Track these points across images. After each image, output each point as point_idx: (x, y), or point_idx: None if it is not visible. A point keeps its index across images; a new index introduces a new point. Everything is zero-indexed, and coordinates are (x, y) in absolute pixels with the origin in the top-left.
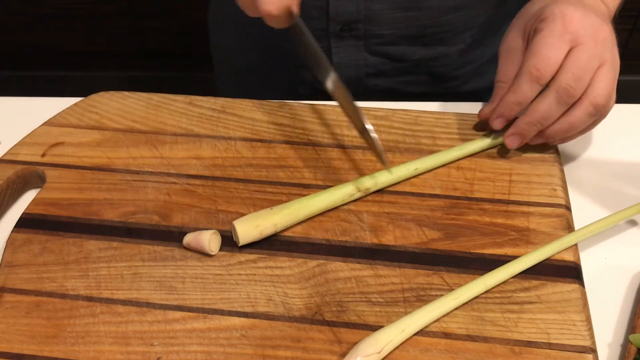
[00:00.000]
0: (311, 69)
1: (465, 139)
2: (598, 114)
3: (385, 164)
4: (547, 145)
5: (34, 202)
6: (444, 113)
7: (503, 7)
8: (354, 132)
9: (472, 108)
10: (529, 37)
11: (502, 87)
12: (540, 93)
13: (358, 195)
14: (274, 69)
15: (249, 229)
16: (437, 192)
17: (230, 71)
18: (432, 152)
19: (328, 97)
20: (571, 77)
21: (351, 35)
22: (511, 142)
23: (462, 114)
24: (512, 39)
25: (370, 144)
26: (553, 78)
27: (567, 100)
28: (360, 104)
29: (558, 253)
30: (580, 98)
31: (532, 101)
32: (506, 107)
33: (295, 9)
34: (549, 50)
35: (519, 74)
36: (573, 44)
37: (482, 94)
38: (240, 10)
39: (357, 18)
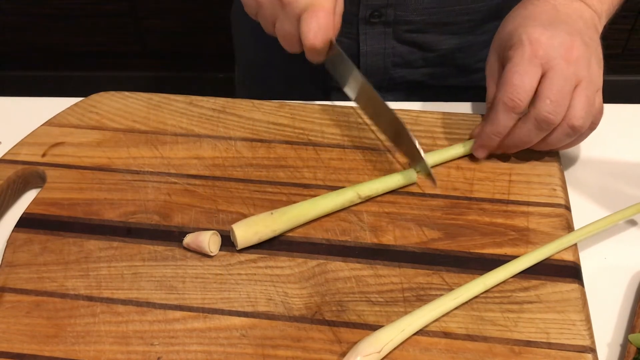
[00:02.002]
0: (349, 94)
1: (463, 139)
2: (576, 134)
3: (434, 184)
4: None
5: (35, 202)
6: (444, 113)
7: None
8: (354, 132)
9: (465, 108)
10: (503, 64)
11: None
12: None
13: (358, 201)
14: (295, 65)
15: (247, 234)
16: (437, 192)
17: (251, 67)
18: (431, 152)
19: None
20: (549, 104)
21: (380, 21)
22: (481, 155)
23: (463, 114)
24: (491, 63)
25: (423, 169)
26: (532, 104)
27: (547, 128)
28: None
29: (558, 253)
30: (562, 125)
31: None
32: (486, 138)
33: (334, 38)
34: (521, 78)
35: (494, 104)
36: (545, 68)
37: None
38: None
39: (388, 2)
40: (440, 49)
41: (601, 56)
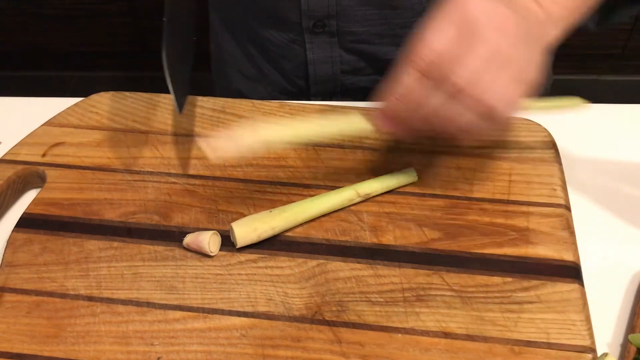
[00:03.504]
0: None
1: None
2: (492, 118)
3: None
4: (547, 145)
5: (35, 202)
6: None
7: None
8: None
9: None
10: None
11: None
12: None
13: (358, 199)
14: (267, 62)
15: (247, 232)
16: (437, 192)
17: (231, 64)
18: (432, 152)
19: (316, 97)
20: (465, 71)
21: (325, 31)
22: (401, 133)
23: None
24: None
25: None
26: (448, 70)
27: (461, 100)
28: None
29: (557, 253)
30: (474, 99)
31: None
32: (389, 102)
33: None
34: (433, 35)
35: (402, 65)
36: (469, 33)
37: None
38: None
39: (329, 13)
40: (387, 58)
41: (539, 59)
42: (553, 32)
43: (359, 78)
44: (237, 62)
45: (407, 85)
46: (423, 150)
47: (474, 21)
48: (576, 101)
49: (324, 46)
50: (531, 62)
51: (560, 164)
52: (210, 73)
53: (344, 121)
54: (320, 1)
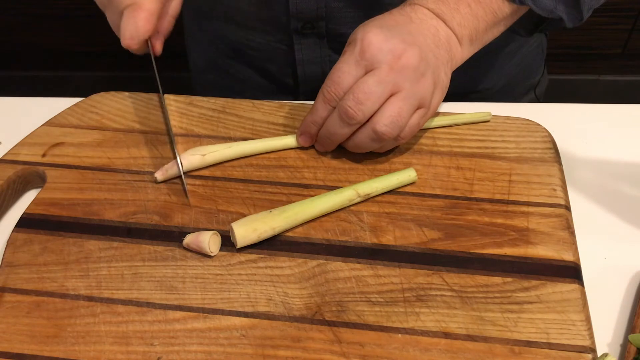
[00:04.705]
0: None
1: (463, 139)
2: (381, 140)
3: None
4: (547, 145)
5: (35, 202)
6: (444, 113)
7: None
8: None
9: (465, 108)
10: None
11: None
12: None
13: (358, 200)
14: (245, 67)
15: (247, 232)
16: (437, 192)
17: (205, 72)
18: (432, 152)
19: (305, 95)
20: (352, 98)
21: (313, 32)
22: (317, 148)
23: (462, 114)
24: None
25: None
26: (343, 100)
27: (348, 121)
28: None
29: (558, 253)
30: (366, 122)
31: None
32: (305, 125)
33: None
34: (342, 75)
35: (317, 95)
36: (368, 69)
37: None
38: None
39: (318, 15)
40: None
41: (443, 79)
42: (464, 51)
43: None
44: (215, 73)
45: (317, 110)
46: (423, 150)
47: (371, 58)
48: (486, 115)
49: (313, 47)
50: (433, 88)
51: (560, 164)
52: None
53: (277, 141)
54: (309, 3)
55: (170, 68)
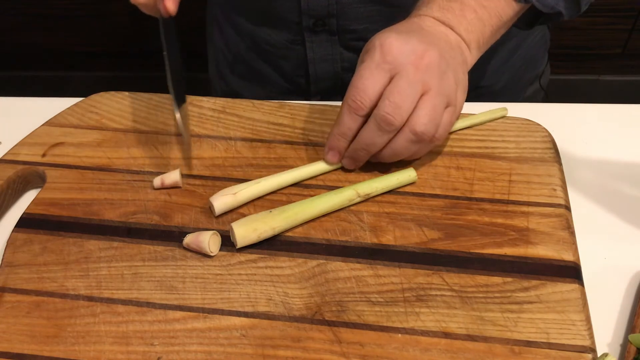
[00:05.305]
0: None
1: (463, 139)
2: (421, 141)
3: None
4: (547, 145)
5: (35, 202)
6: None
7: None
8: None
9: (471, 107)
10: None
11: None
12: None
13: (358, 200)
14: (264, 63)
15: (247, 232)
16: (437, 192)
17: (224, 66)
18: (432, 152)
19: (315, 94)
20: (388, 104)
21: (325, 29)
22: (346, 164)
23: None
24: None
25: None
26: (376, 107)
27: (387, 128)
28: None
29: (558, 253)
30: (402, 126)
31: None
32: (333, 140)
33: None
34: (364, 82)
35: (341, 107)
36: (393, 73)
37: None
38: (231, 7)
39: (330, 12)
40: None
41: (463, 78)
42: (473, 55)
43: None
44: (233, 65)
45: (344, 122)
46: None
47: (394, 62)
48: (502, 111)
49: (325, 45)
50: (456, 87)
51: (560, 164)
52: (207, 74)
53: (306, 168)
54: (320, 0)
55: (192, 69)
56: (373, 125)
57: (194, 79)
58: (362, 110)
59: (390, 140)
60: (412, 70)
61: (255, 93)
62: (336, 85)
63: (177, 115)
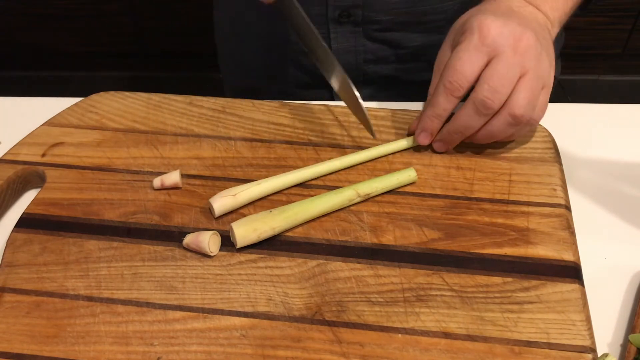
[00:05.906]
0: (301, 40)
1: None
2: (519, 124)
3: (373, 135)
4: (547, 145)
5: (34, 202)
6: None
7: None
8: (354, 133)
9: None
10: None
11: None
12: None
13: (358, 200)
14: (277, 61)
15: (247, 232)
16: (437, 192)
17: (235, 65)
18: (431, 152)
19: (325, 91)
20: (487, 88)
21: (349, 21)
22: (437, 147)
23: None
24: (443, 52)
25: (359, 115)
26: (473, 89)
27: (485, 112)
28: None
29: (558, 253)
30: (500, 108)
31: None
32: (426, 121)
33: None
34: (463, 63)
35: (436, 88)
36: (491, 55)
37: None
38: (240, 5)
39: (356, 3)
40: (411, 46)
41: (553, 57)
42: (554, 33)
43: (382, 67)
44: (248, 62)
45: (439, 103)
46: (423, 150)
47: (492, 44)
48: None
49: (348, 36)
50: (550, 68)
51: (560, 164)
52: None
53: (312, 169)
54: None
55: (213, 69)
56: (470, 108)
57: (201, 78)
58: (459, 91)
59: (486, 123)
60: (511, 53)
61: (271, 89)
62: (358, 77)
63: (341, 76)
